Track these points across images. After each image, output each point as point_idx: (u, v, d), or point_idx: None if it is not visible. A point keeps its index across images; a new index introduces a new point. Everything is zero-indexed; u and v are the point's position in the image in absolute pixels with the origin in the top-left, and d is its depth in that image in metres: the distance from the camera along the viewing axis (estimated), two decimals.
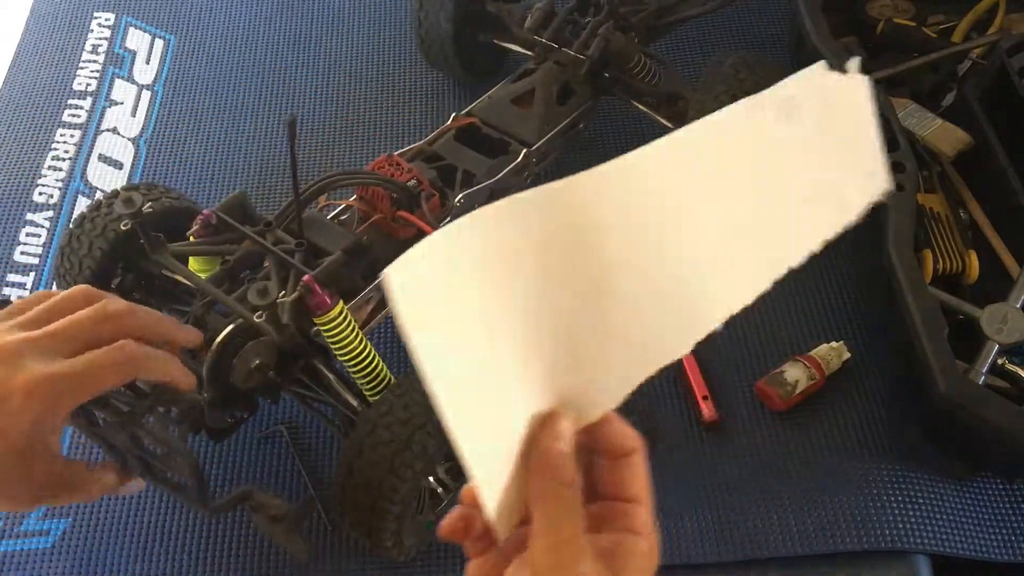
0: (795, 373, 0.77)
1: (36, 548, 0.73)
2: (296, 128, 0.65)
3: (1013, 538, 0.71)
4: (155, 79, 1.09)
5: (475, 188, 0.80)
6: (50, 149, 1.01)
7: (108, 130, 1.03)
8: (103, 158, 1.01)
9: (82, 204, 0.96)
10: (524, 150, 0.84)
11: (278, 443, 0.78)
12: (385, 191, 0.74)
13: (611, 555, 0.35)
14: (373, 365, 0.66)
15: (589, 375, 0.35)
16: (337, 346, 0.64)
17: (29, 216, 0.96)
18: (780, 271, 0.36)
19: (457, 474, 0.71)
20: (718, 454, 0.76)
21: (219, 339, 0.63)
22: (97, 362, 0.50)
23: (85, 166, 1.00)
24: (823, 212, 0.36)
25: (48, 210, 0.96)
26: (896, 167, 0.78)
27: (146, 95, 1.07)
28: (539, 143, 0.85)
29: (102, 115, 1.05)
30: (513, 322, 0.32)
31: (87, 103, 1.06)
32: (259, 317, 0.63)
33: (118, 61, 1.11)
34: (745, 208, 0.35)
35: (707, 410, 0.77)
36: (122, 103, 1.06)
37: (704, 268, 0.35)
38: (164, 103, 1.06)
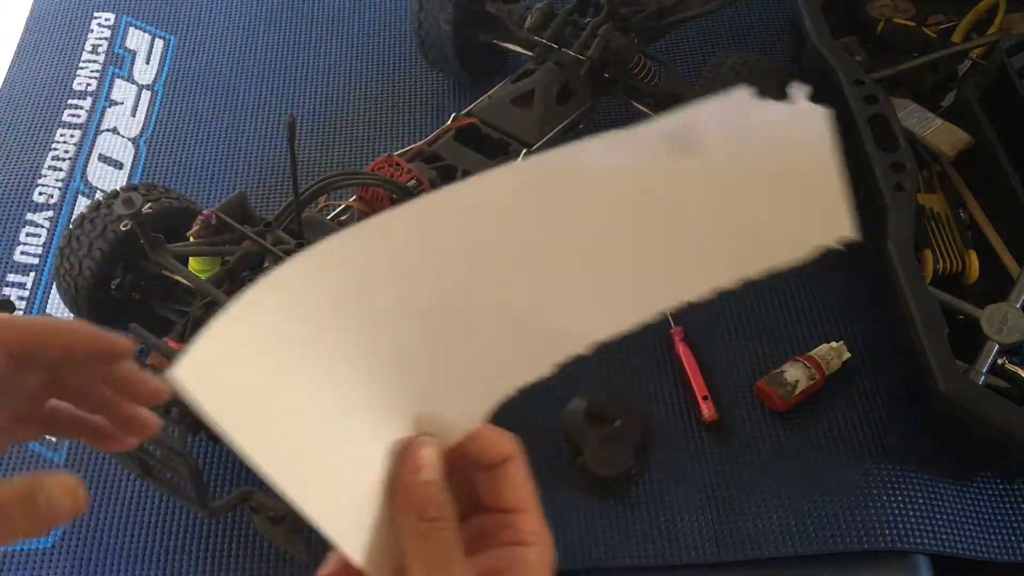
0: (795, 373, 0.77)
1: (36, 548, 0.73)
2: (296, 128, 0.65)
3: (1013, 538, 0.71)
4: (155, 79, 1.09)
5: None
6: (50, 149, 1.01)
7: (108, 130, 1.03)
8: (103, 158, 1.01)
9: (82, 204, 0.96)
10: (524, 150, 0.84)
11: None
12: (385, 191, 0.74)
13: (497, 573, 0.34)
14: None
15: (444, 399, 0.34)
16: None
17: (29, 216, 0.96)
18: (667, 303, 0.34)
19: None
20: (718, 454, 0.76)
21: None
22: None
23: (85, 166, 1.00)
24: (731, 246, 0.34)
25: (48, 210, 0.96)
26: (896, 167, 0.78)
27: (146, 95, 1.07)
28: (539, 143, 0.85)
29: (102, 115, 1.05)
30: (347, 362, 0.31)
31: (87, 103, 1.06)
32: None
33: (118, 61, 1.11)
34: (614, 238, 0.33)
35: (707, 410, 0.77)
36: (122, 103, 1.06)
37: (559, 295, 0.34)
38: (164, 103, 1.06)
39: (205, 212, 0.70)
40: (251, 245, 0.69)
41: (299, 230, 0.69)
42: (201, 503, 0.63)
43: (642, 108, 0.92)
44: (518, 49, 0.96)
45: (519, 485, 0.35)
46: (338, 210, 0.77)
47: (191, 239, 0.71)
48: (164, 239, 0.69)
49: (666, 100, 0.91)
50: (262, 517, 0.63)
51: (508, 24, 0.94)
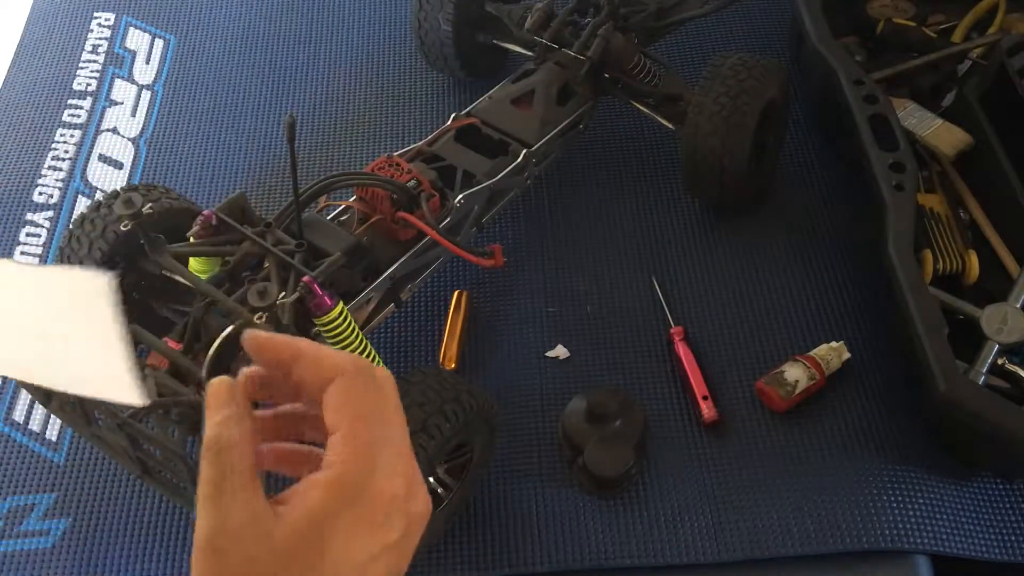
0: (795, 373, 0.77)
1: (36, 548, 0.73)
2: (296, 128, 0.65)
3: (1013, 538, 0.71)
4: (155, 79, 1.09)
5: (475, 189, 0.80)
6: (50, 149, 1.01)
7: (108, 130, 1.03)
8: (103, 158, 1.01)
9: (82, 204, 0.96)
10: (524, 151, 0.84)
11: None
12: (385, 192, 0.74)
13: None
14: None
15: None
16: (337, 347, 0.64)
17: (29, 216, 0.96)
18: None
19: (457, 473, 0.71)
20: (718, 454, 0.76)
21: (219, 340, 0.63)
22: None
23: (85, 166, 1.00)
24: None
25: (48, 210, 0.96)
26: (896, 167, 0.78)
27: (146, 95, 1.07)
28: (539, 144, 0.85)
29: (102, 115, 1.05)
30: None
31: (87, 103, 1.06)
32: (259, 318, 0.63)
33: (118, 61, 1.11)
34: None
35: (707, 410, 0.77)
36: (122, 103, 1.06)
37: None
38: (164, 103, 1.06)
39: (205, 212, 0.70)
40: (251, 246, 0.69)
41: (299, 230, 0.69)
42: None
43: (642, 108, 0.92)
44: (518, 49, 0.96)
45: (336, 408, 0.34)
46: (338, 210, 0.77)
47: (191, 239, 0.70)
48: (164, 239, 0.69)
49: (666, 100, 0.91)
50: None
51: (508, 24, 0.94)
